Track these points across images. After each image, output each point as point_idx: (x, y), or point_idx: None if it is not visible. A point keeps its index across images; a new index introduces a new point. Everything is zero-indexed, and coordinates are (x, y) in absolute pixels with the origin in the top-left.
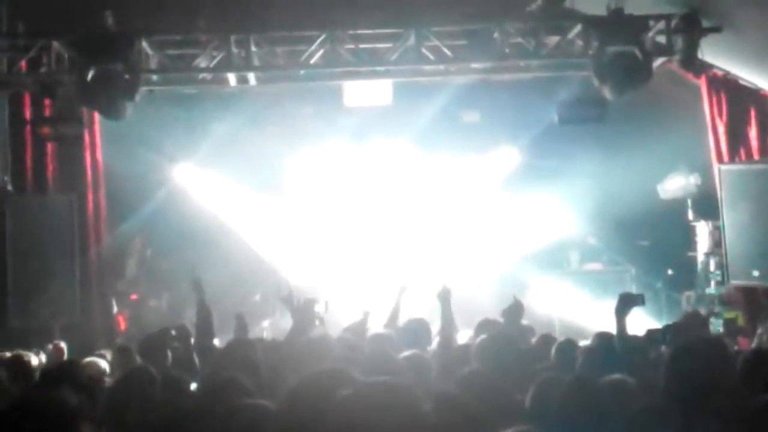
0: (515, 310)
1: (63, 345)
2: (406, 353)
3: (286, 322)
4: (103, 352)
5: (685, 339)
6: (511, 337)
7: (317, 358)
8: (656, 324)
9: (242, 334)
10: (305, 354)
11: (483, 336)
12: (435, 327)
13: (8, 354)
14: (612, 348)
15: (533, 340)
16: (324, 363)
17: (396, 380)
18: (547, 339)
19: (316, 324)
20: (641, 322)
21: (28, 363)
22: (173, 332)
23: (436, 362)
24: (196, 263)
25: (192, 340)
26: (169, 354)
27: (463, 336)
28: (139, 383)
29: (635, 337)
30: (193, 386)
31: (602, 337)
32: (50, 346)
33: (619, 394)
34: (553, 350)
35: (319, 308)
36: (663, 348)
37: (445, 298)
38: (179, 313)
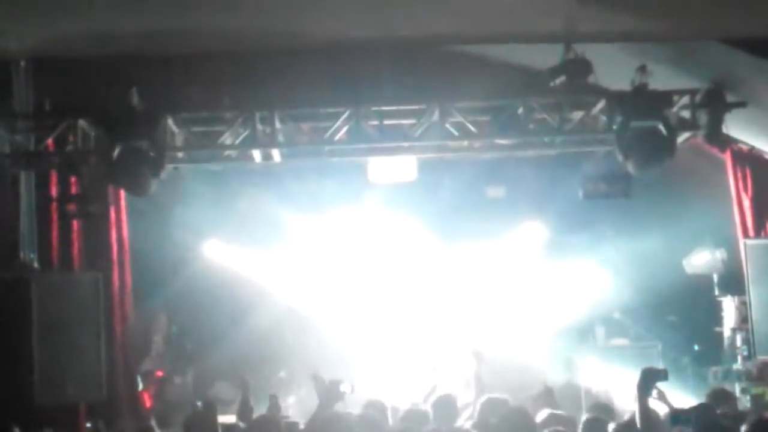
0: (545, 396)
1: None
2: (431, 428)
3: (312, 399)
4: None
5: (708, 422)
6: (529, 416)
7: None
8: (682, 399)
9: (275, 413)
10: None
11: (504, 414)
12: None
13: None
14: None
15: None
16: None
17: None
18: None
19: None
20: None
21: None
22: (199, 403)
23: None
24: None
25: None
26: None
27: None
28: None
29: (658, 416)
30: None
31: (601, 409)
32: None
33: None
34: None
35: (344, 388)
36: (690, 430)
37: (479, 370)
38: (204, 391)
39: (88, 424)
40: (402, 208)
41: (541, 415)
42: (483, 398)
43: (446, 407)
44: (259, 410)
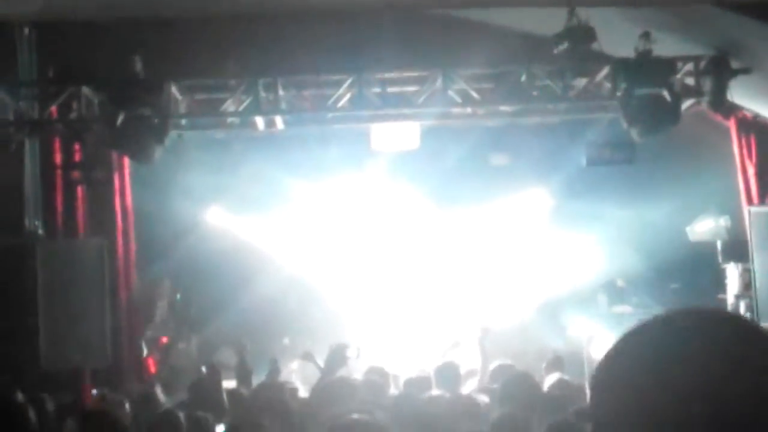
0: (556, 364)
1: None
2: (434, 393)
3: (314, 366)
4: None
5: None
6: (533, 380)
7: (339, 401)
8: None
9: (275, 376)
10: (328, 397)
11: (506, 378)
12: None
13: None
14: None
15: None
16: (349, 405)
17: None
18: (564, 382)
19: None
20: None
21: None
22: (204, 369)
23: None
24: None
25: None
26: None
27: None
28: (166, 428)
29: None
30: (221, 429)
31: None
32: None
33: None
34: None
35: (350, 353)
36: None
37: (483, 340)
38: (208, 357)
39: (94, 391)
40: (405, 176)
41: (550, 380)
42: (494, 365)
43: (449, 374)
44: (262, 375)
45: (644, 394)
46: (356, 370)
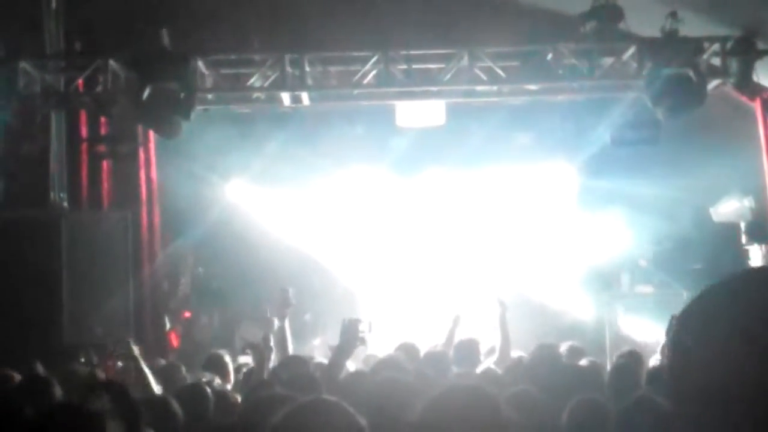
0: (576, 354)
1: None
2: (457, 371)
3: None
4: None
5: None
6: (560, 357)
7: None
8: None
9: (285, 306)
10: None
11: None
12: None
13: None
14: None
15: (582, 362)
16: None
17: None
18: (596, 366)
19: (359, 345)
20: None
21: None
22: (248, 351)
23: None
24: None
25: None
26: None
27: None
28: (192, 400)
29: None
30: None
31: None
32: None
33: None
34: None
35: (363, 328)
36: None
37: (503, 316)
38: (230, 331)
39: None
40: (429, 153)
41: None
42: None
43: (468, 351)
44: None
45: (730, 354)
46: (373, 342)
